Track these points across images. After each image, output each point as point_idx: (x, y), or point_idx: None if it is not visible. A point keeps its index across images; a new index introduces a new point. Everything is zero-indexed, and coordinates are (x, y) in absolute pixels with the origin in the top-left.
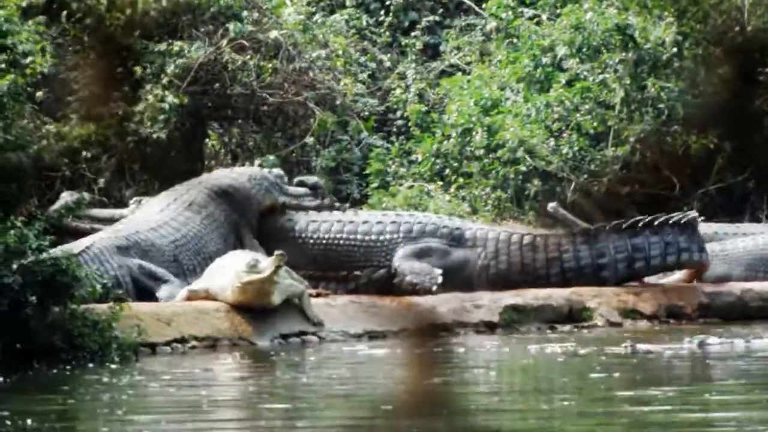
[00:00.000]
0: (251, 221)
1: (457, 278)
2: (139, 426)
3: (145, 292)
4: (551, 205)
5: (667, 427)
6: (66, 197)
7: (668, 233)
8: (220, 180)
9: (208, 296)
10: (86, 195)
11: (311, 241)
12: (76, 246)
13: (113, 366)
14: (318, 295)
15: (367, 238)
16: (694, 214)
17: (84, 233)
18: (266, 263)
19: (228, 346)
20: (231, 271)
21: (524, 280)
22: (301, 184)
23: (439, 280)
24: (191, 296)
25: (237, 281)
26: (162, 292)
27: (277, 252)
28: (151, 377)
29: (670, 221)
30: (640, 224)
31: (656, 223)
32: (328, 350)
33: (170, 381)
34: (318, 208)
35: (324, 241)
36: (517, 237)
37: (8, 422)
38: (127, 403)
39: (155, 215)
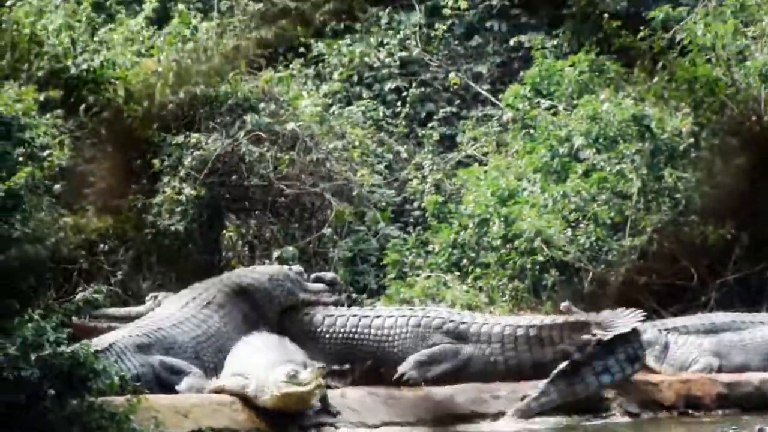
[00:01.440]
0: (271, 320)
1: (470, 373)
2: None
3: (169, 388)
4: (564, 305)
5: None
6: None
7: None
8: (240, 279)
9: (239, 394)
10: (103, 288)
11: (327, 335)
12: (97, 344)
13: None
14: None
15: (379, 332)
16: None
17: (101, 332)
18: (307, 375)
19: None
20: (267, 373)
21: (535, 373)
22: (318, 279)
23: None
24: (218, 390)
25: (276, 390)
26: (182, 385)
27: (318, 365)
28: None
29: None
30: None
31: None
32: None
33: None
34: (336, 304)
35: (339, 336)
36: (523, 331)
37: None
38: None
39: (176, 312)
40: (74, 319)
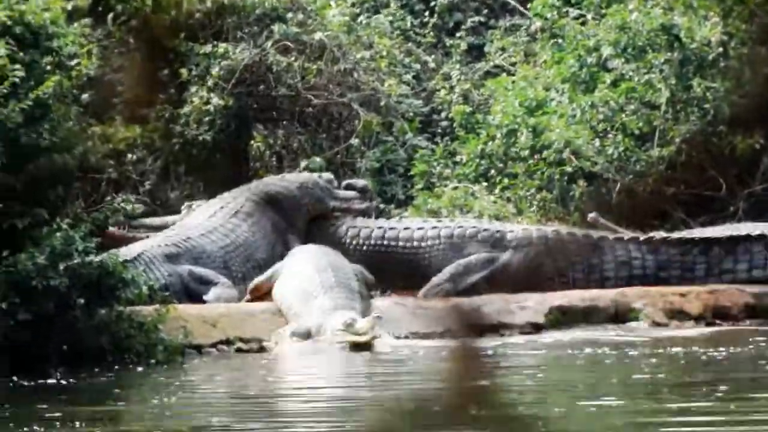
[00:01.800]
0: (300, 228)
1: (502, 282)
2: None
3: (198, 298)
4: (591, 216)
5: None
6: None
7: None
8: (269, 188)
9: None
10: (132, 197)
11: (353, 246)
12: (125, 253)
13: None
14: None
15: (408, 244)
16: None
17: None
18: (364, 324)
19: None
20: (324, 317)
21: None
22: (349, 187)
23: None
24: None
25: (333, 337)
26: (210, 295)
27: (375, 314)
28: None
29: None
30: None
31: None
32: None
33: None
34: (366, 211)
35: (366, 247)
36: (568, 236)
37: (58, 424)
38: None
39: (204, 222)
40: (113, 229)
